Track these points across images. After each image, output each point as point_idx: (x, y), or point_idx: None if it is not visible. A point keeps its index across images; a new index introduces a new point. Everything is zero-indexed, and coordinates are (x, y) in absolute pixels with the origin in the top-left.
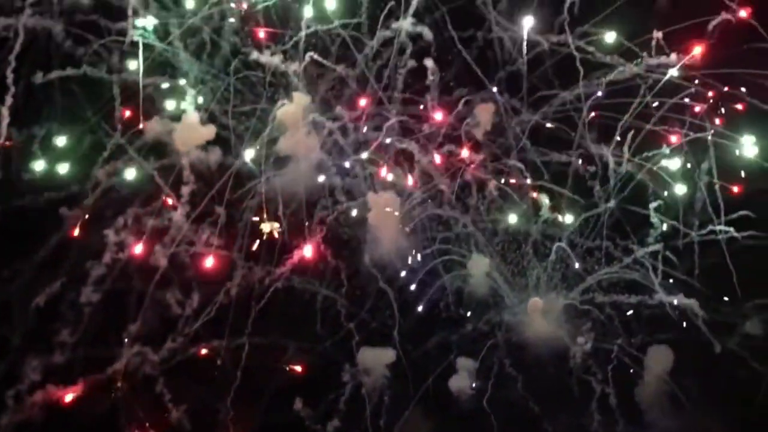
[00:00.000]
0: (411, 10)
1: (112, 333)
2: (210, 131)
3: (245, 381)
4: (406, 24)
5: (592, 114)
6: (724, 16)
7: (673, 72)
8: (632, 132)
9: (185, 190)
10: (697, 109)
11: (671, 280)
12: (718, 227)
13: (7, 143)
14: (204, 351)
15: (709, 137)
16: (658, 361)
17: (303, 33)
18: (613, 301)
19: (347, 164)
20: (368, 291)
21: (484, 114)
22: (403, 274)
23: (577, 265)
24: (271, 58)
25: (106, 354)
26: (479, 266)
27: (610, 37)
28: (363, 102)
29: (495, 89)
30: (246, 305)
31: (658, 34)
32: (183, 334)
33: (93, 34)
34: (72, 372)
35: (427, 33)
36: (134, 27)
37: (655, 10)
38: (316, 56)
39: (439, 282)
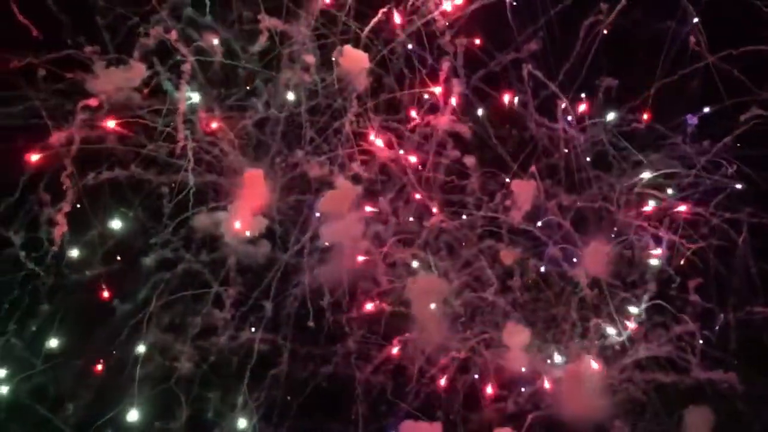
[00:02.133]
0: (449, 107)
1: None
2: (260, 223)
3: None
4: (444, 120)
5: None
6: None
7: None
8: (667, 217)
9: (231, 292)
10: None
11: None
12: (756, 308)
13: None
14: None
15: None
16: (698, 422)
17: (347, 126)
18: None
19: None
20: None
21: (523, 194)
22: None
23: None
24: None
25: None
26: (516, 337)
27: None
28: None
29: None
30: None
31: (693, 120)
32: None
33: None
34: None
35: (466, 131)
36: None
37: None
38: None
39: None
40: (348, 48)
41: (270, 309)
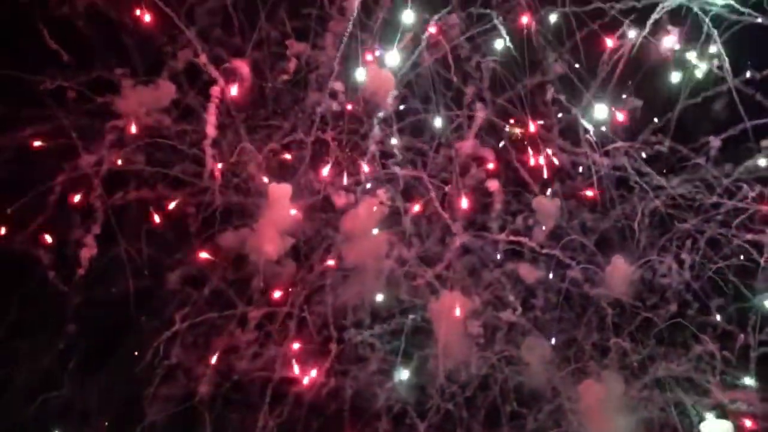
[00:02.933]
0: (474, 129)
1: None
2: (286, 242)
3: None
4: (467, 145)
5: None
6: None
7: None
8: (690, 239)
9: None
10: None
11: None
12: None
13: None
14: None
15: None
16: None
17: (372, 148)
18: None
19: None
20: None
21: (545, 211)
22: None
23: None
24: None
25: None
26: (534, 351)
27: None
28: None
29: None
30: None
31: (715, 142)
32: None
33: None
34: None
35: (489, 155)
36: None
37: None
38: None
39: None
40: (373, 68)
41: (293, 328)
